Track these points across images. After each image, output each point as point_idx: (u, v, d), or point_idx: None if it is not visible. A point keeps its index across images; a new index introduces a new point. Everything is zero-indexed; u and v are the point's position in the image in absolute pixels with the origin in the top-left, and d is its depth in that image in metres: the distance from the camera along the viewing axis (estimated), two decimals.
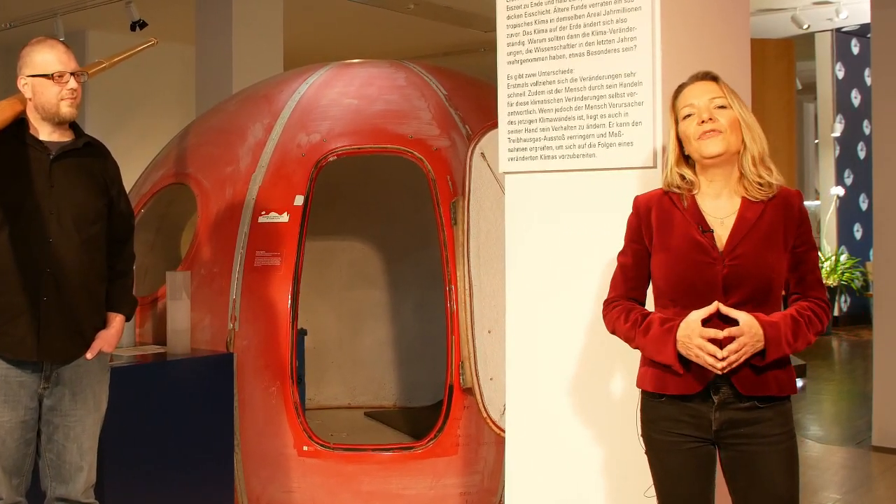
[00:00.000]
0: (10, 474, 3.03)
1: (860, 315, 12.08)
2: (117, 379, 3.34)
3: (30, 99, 3.09)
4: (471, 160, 3.96)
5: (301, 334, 4.60)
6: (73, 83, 3.08)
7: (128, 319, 3.29)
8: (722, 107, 2.50)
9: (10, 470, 3.03)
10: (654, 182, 2.86)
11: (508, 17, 3.31)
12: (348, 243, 5.86)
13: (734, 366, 2.38)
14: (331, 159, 4.47)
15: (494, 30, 3.40)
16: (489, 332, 3.94)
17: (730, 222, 2.49)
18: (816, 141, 13.59)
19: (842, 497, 5.13)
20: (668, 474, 2.54)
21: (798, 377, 4.70)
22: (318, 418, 5.25)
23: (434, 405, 5.06)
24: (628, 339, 2.58)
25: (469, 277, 3.95)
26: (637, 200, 2.65)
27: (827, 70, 12.46)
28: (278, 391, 4.19)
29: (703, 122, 2.48)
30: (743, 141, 2.50)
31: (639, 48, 3.00)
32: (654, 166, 2.96)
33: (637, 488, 2.90)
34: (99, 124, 9.26)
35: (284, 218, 4.33)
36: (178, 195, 4.96)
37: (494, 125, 3.49)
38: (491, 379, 3.91)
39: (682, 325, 2.42)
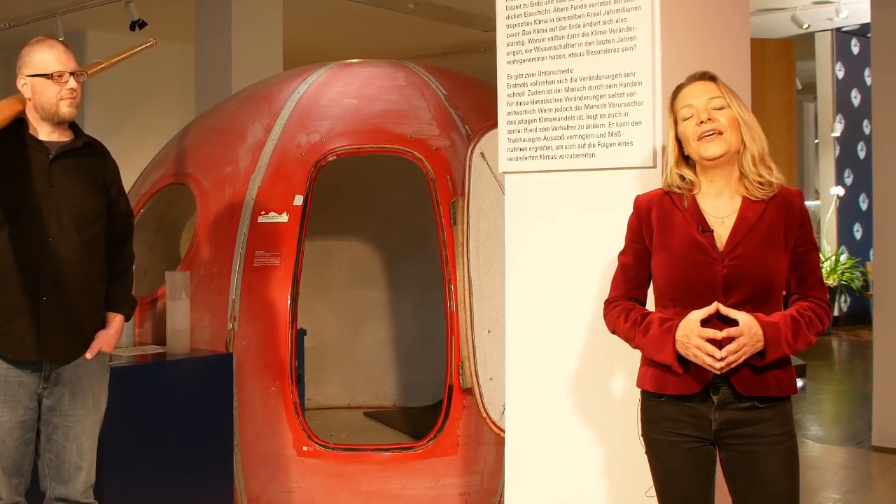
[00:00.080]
0: (9, 474, 3.02)
1: (860, 315, 12.08)
2: (117, 379, 3.34)
3: (29, 99, 3.09)
4: (470, 160, 3.95)
5: (300, 334, 4.60)
6: (72, 83, 3.08)
7: (127, 319, 3.29)
8: (720, 107, 2.50)
9: (10, 470, 3.02)
10: (653, 182, 2.86)
11: (508, 17, 3.31)
12: (348, 243, 5.86)
13: (733, 366, 2.38)
14: (330, 159, 4.47)
15: (494, 29, 3.39)
16: (489, 332, 3.94)
17: (730, 222, 2.49)
18: (816, 141, 13.58)
19: (842, 497, 5.13)
20: (667, 474, 2.54)
21: (798, 377, 4.70)
22: (318, 418, 5.25)
23: (434, 405, 5.05)
24: (628, 339, 2.58)
25: (469, 277, 3.95)
26: (638, 200, 2.64)
27: (827, 70, 12.46)
28: (278, 391, 4.19)
29: (701, 122, 2.48)
30: (742, 140, 2.50)
31: (638, 48, 3.00)
32: (654, 166, 2.96)
33: (637, 488, 2.89)
34: (98, 124, 9.25)
35: (284, 218, 4.33)
36: (178, 195, 4.95)
37: (494, 125, 3.49)
38: (490, 379, 3.91)
39: (682, 325, 2.42)
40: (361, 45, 10.45)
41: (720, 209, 2.52)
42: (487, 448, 4.20)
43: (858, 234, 12.69)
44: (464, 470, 4.19)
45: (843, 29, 11.62)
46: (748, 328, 2.37)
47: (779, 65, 8.19)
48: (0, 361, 3.00)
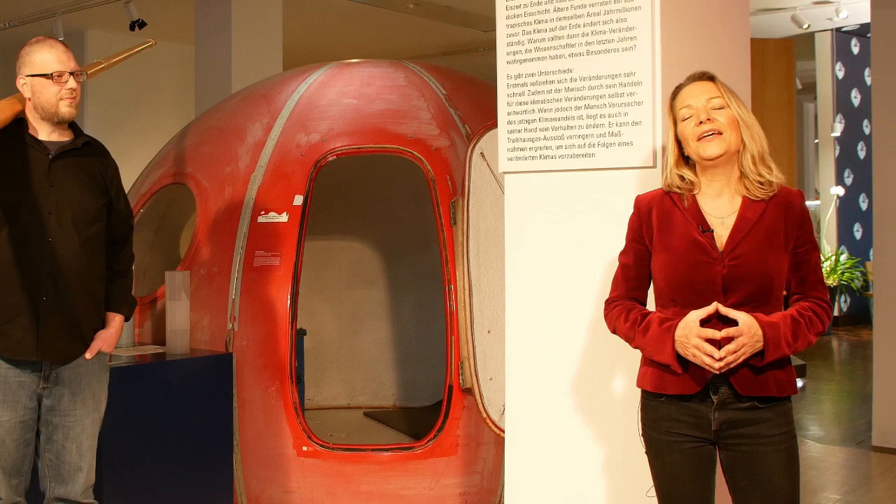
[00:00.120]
0: (9, 474, 3.02)
1: (860, 315, 12.08)
2: (116, 379, 3.34)
3: (29, 99, 3.08)
4: (470, 160, 3.95)
5: (300, 334, 4.60)
6: (72, 83, 3.08)
7: (127, 319, 3.29)
8: (720, 107, 2.50)
9: (10, 470, 3.02)
10: (653, 182, 2.86)
11: (508, 17, 3.31)
12: (347, 243, 5.86)
13: (732, 366, 2.38)
14: (330, 159, 4.47)
15: (494, 29, 3.39)
16: (489, 332, 3.94)
17: (730, 222, 2.49)
18: (816, 141, 13.57)
19: (842, 497, 5.13)
20: (667, 474, 2.54)
21: (798, 377, 4.70)
22: (318, 418, 5.25)
23: (433, 405, 5.06)
24: (628, 339, 2.58)
25: (468, 277, 3.95)
26: (638, 200, 2.64)
27: (827, 70, 12.45)
28: (277, 391, 4.19)
29: (701, 122, 2.48)
30: (742, 140, 2.49)
31: (638, 48, 3.00)
32: (654, 166, 2.96)
33: (637, 488, 2.89)
34: (98, 124, 9.26)
35: (284, 218, 4.33)
36: (178, 195, 4.95)
37: (494, 125, 3.49)
38: (490, 379, 3.91)
39: (681, 324, 2.42)
40: (361, 44, 10.45)
41: (720, 209, 2.52)
42: (487, 448, 4.20)
43: (858, 234, 12.69)
44: (463, 470, 4.19)
45: (843, 29, 11.61)
46: (747, 328, 2.37)
47: (779, 65, 8.19)
48: (0, 361, 3.00)
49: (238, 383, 4.21)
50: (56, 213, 3.03)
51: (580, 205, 3.14)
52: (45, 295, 3.01)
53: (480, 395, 3.90)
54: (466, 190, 3.96)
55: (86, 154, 3.16)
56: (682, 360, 2.44)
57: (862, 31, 11.89)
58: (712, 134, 2.47)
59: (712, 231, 2.48)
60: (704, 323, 2.40)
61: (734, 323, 2.38)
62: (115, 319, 3.21)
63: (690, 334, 2.39)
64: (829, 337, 11.41)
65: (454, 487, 4.19)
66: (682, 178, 2.55)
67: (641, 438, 2.60)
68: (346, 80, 4.87)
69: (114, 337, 3.19)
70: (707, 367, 2.39)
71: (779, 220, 2.48)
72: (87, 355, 3.09)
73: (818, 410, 7.68)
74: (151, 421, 3.91)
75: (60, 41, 3.17)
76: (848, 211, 12.63)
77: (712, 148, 2.47)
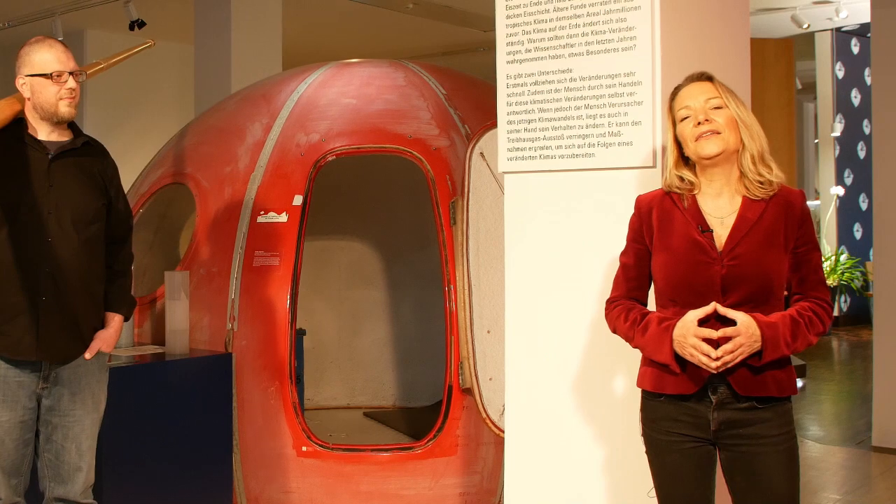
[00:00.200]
0: (8, 474, 3.02)
1: (860, 315, 12.08)
2: (116, 379, 3.34)
3: (28, 98, 3.08)
4: (470, 160, 3.95)
5: (300, 334, 4.59)
6: (71, 83, 3.07)
7: (126, 319, 3.29)
8: (718, 107, 2.50)
9: (9, 470, 3.02)
10: (653, 182, 2.86)
11: (508, 17, 3.30)
12: (347, 243, 5.86)
13: (729, 366, 2.38)
14: (330, 159, 4.47)
15: (494, 29, 3.39)
16: (488, 332, 3.94)
17: (730, 222, 2.49)
18: (816, 141, 13.57)
19: (842, 497, 5.12)
20: (667, 474, 2.54)
21: (798, 377, 4.70)
22: (317, 418, 5.25)
23: (433, 405, 5.05)
24: (628, 339, 2.58)
25: (468, 277, 3.95)
26: (639, 200, 2.64)
27: (827, 70, 12.45)
28: (277, 391, 4.18)
29: (699, 123, 2.48)
30: (741, 140, 2.49)
31: (638, 48, 3.00)
32: (654, 166, 2.96)
33: (637, 489, 2.89)
34: (97, 124, 9.26)
35: (283, 218, 4.32)
36: (177, 195, 4.95)
37: (494, 125, 3.48)
38: (490, 379, 3.90)
39: (679, 324, 2.42)
40: (361, 44, 10.45)
41: (720, 209, 2.51)
42: (487, 448, 4.20)
43: (858, 234, 12.69)
44: (463, 470, 4.19)
45: (843, 29, 11.61)
46: (745, 328, 2.36)
47: (779, 65, 8.18)
48: (0, 361, 3.00)
49: (237, 383, 4.21)
50: (55, 213, 3.03)
51: (580, 205, 3.14)
52: (44, 295, 3.01)
53: (480, 395, 3.90)
54: (466, 190, 3.96)
55: (85, 154, 3.16)
56: (681, 360, 2.44)
57: (862, 31, 11.89)
58: (710, 133, 2.47)
59: (712, 231, 2.48)
60: (703, 323, 2.40)
61: (733, 323, 2.38)
62: (115, 319, 3.21)
63: (688, 334, 2.40)
64: (829, 337, 11.41)
65: (454, 487, 4.18)
66: (681, 178, 2.55)
67: (642, 438, 2.61)
68: (346, 80, 4.87)
69: (113, 337, 3.18)
70: (704, 367, 2.39)
71: (779, 220, 2.48)
72: (87, 355, 3.08)
73: (818, 410, 7.68)
74: (151, 421, 3.91)
75: (60, 41, 3.17)
76: (848, 211, 12.63)
77: (710, 147, 2.47)
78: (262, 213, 4.35)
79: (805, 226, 2.50)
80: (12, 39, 7.26)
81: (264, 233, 4.33)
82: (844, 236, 12.57)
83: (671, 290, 2.51)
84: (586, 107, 3.10)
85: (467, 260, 3.95)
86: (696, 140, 2.48)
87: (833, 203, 12.45)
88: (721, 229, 2.48)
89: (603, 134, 3.06)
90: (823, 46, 12.38)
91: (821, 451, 6.13)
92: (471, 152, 3.95)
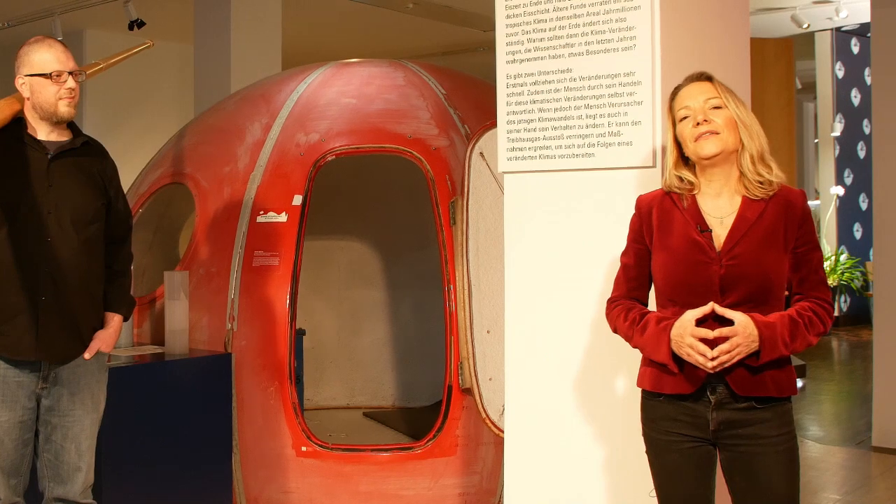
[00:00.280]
0: (7, 475, 3.02)
1: (860, 315, 12.08)
2: (115, 379, 3.34)
3: (28, 98, 3.08)
4: (470, 160, 3.95)
5: (299, 334, 4.59)
6: (71, 83, 3.07)
7: (126, 319, 3.28)
8: (717, 107, 2.50)
9: (8, 470, 3.02)
10: (653, 182, 2.85)
11: (507, 17, 3.30)
12: (347, 243, 5.85)
13: (726, 365, 2.38)
14: (329, 159, 4.46)
15: (493, 29, 3.39)
16: (488, 332, 3.94)
17: (729, 222, 2.49)
18: (816, 140, 13.57)
19: (842, 497, 5.12)
20: (666, 474, 2.54)
21: (798, 377, 4.70)
22: (317, 418, 5.25)
23: (433, 405, 5.05)
24: (627, 338, 2.59)
25: (468, 277, 3.94)
26: (639, 200, 2.65)
27: (827, 69, 12.45)
28: (277, 391, 4.18)
29: (698, 123, 2.48)
30: (740, 140, 2.49)
31: (638, 47, 2.99)
32: (654, 166, 2.95)
33: (636, 489, 2.89)
34: (97, 124, 9.26)
35: (283, 218, 4.32)
36: (177, 195, 4.95)
37: (493, 125, 3.48)
38: (490, 379, 3.90)
39: (676, 324, 2.42)
40: (360, 44, 10.45)
41: (720, 209, 2.51)
42: (487, 448, 4.20)
43: (858, 234, 12.69)
44: (463, 470, 4.19)
45: (843, 28, 11.61)
46: (742, 328, 2.36)
47: (778, 64, 8.19)
48: None
49: (237, 383, 4.21)
50: (55, 213, 3.03)
51: (580, 205, 3.13)
52: (44, 295, 3.00)
53: (480, 396, 3.90)
54: (466, 190, 3.95)
55: (84, 154, 3.16)
56: (679, 360, 2.44)
57: (862, 31, 11.89)
58: (709, 134, 2.47)
59: (711, 231, 2.48)
60: (701, 322, 2.40)
61: (731, 323, 2.38)
62: (114, 319, 3.20)
63: (685, 333, 2.40)
64: (829, 337, 11.41)
65: (453, 488, 4.18)
66: (680, 178, 2.55)
67: (643, 438, 2.61)
68: (346, 79, 4.87)
69: (112, 337, 3.18)
70: (701, 367, 2.39)
71: (778, 220, 2.47)
72: (86, 355, 3.08)
73: (818, 410, 7.68)
74: (150, 421, 3.90)
75: (59, 41, 3.16)
76: (848, 211, 12.63)
77: (709, 147, 2.47)
78: (262, 212, 4.35)
79: (805, 226, 2.49)
80: (12, 39, 7.25)
81: (264, 233, 4.32)
82: (844, 236, 12.57)
83: (670, 289, 2.51)
84: (586, 107, 3.10)
85: (467, 260, 3.95)
86: (695, 140, 2.48)
87: (833, 203, 12.45)
88: (720, 229, 2.48)
89: (603, 134, 3.06)
90: (823, 46, 12.38)
91: (821, 451, 6.13)
92: (470, 152, 3.95)
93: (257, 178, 4.44)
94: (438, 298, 4.52)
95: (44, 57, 3.06)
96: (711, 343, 2.37)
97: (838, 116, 12.50)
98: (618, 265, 2.69)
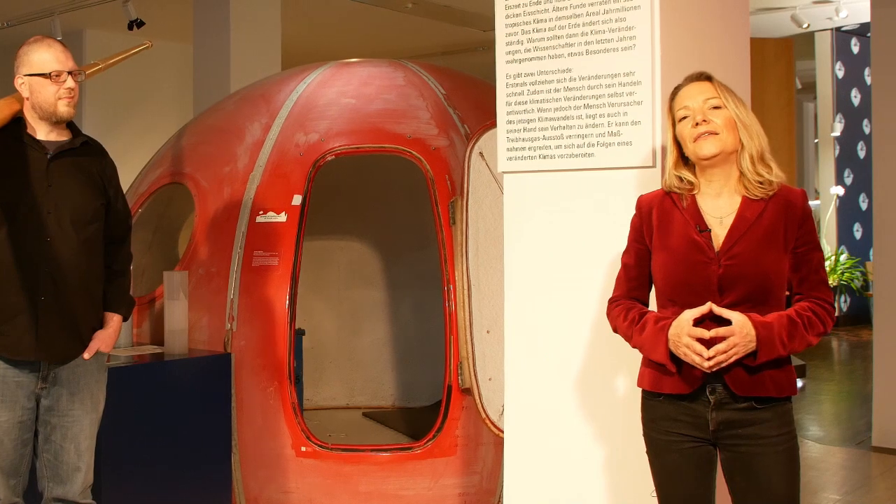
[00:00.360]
0: (7, 475, 3.02)
1: (860, 315, 12.08)
2: (115, 379, 3.34)
3: (27, 98, 3.08)
4: (469, 160, 3.94)
5: (299, 334, 4.59)
6: (70, 82, 3.07)
7: (125, 319, 3.28)
8: (716, 107, 2.50)
9: (8, 470, 3.02)
10: (653, 182, 2.85)
11: (507, 17, 3.30)
12: (346, 243, 5.85)
13: (723, 365, 2.38)
14: (329, 159, 4.46)
15: (493, 29, 3.38)
16: (488, 332, 3.93)
17: (729, 221, 2.49)
18: (816, 140, 13.57)
19: (842, 498, 5.12)
20: (666, 474, 2.54)
21: (798, 377, 4.69)
22: (316, 418, 5.24)
23: (432, 405, 5.05)
24: (627, 338, 2.59)
25: (467, 277, 3.94)
26: (640, 201, 2.65)
27: (827, 69, 12.45)
28: (276, 391, 4.18)
29: (697, 124, 2.48)
30: (740, 140, 2.49)
31: (638, 47, 2.99)
32: (654, 166, 2.95)
33: (637, 489, 2.89)
34: (96, 124, 9.25)
35: (282, 218, 4.32)
36: (176, 195, 4.94)
37: (493, 125, 3.48)
38: (490, 379, 3.90)
39: (674, 323, 2.43)
40: (360, 44, 10.45)
41: (719, 209, 2.51)
42: (486, 448, 4.19)
43: (858, 234, 12.69)
44: (463, 470, 4.19)
45: (843, 28, 11.61)
46: (740, 328, 2.36)
47: (778, 64, 8.18)
48: None
49: (237, 383, 4.20)
50: (55, 213, 3.03)
51: (579, 205, 3.13)
52: (43, 294, 3.00)
53: (479, 396, 3.89)
54: (465, 190, 3.95)
55: (84, 154, 3.16)
56: (677, 360, 2.44)
57: (862, 31, 11.89)
58: (708, 134, 2.47)
59: (710, 231, 2.48)
60: (699, 322, 2.40)
61: (729, 322, 2.38)
62: (114, 319, 3.20)
63: (682, 333, 2.40)
64: (829, 337, 11.40)
65: (453, 488, 4.18)
66: (680, 178, 2.55)
67: (643, 438, 2.60)
68: (345, 79, 4.86)
69: (112, 337, 3.18)
70: (697, 366, 2.39)
71: (778, 220, 2.47)
72: (86, 355, 3.08)
73: (818, 410, 7.68)
74: (150, 421, 3.90)
75: (58, 41, 3.16)
76: (848, 211, 12.63)
77: (708, 147, 2.47)
78: (262, 212, 4.35)
79: (806, 225, 2.49)
80: (11, 39, 7.24)
81: (263, 232, 4.32)
82: (844, 236, 12.57)
83: (670, 289, 2.51)
84: (586, 106, 3.10)
85: (466, 260, 3.94)
86: (694, 140, 2.48)
87: (833, 203, 12.45)
88: (720, 229, 2.48)
89: (602, 134, 3.06)
90: (823, 46, 12.38)
91: (821, 452, 6.13)
92: (470, 152, 3.94)
93: (257, 178, 4.44)
94: (438, 298, 4.51)
95: (43, 57, 3.06)
96: (708, 343, 2.37)
97: (838, 116, 12.50)
98: (617, 265, 2.69)
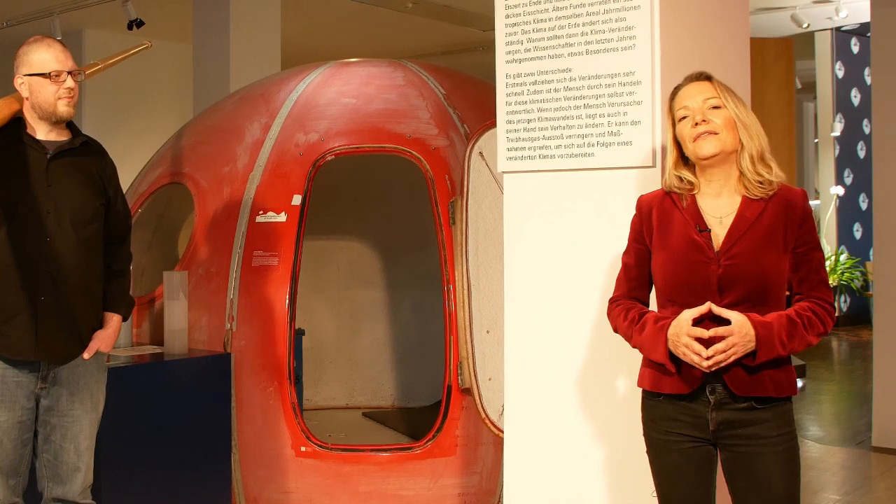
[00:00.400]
0: (6, 475, 3.01)
1: (860, 315, 12.08)
2: (114, 379, 3.33)
3: (27, 98, 3.08)
4: (469, 159, 3.94)
5: (299, 334, 4.59)
6: (70, 82, 3.07)
7: (125, 319, 3.28)
8: (716, 107, 2.50)
9: (7, 470, 3.01)
10: (653, 182, 2.85)
11: (507, 16, 3.30)
12: (346, 243, 5.85)
13: (721, 365, 2.38)
14: (329, 159, 4.46)
15: (493, 29, 3.38)
16: (487, 332, 3.93)
17: (729, 221, 2.48)
18: (816, 140, 13.57)
19: (842, 498, 5.12)
20: (667, 474, 2.54)
21: (798, 377, 4.69)
22: (316, 419, 5.24)
23: (432, 405, 5.05)
24: (627, 338, 2.59)
25: (467, 277, 3.94)
26: (640, 201, 2.65)
27: (827, 69, 12.45)
28: (276, 391, 4.18)
29: (696, 124, 2.48)
30: (740, 140, 2.49)
31: (638, 47, 2.99)
32: (653, 165, 2.95)
33: (637, 489, 2.89)
34: (96, 123, 9.26)
35: (282, 217, 4.32)
36: (176, 195, 4.94)
37: (493, 124, 3.48)
38: (489, 379, 3.90)
39: (673, 323, 2.43)
40: (360, 44, 10.45)
41: (719, 209, 2.51)
42: (486, 448, 4.19)
43: (858, 234, 12.69)
44: (462, 470, 4.18)
45: (843, 28, 11.62)
46: (739, 328, 2.36)
47: (778, 64, 8.18)
48: None
49: (236, 383, 4.20)
50: (55, 213, 3.03)
51: (579, 205, 3.13)
52: (43, 294, 3.00)
53: (479, 396, 3.89)
54: (465, 190, 3.95)
55: (84, 154, 3.16)
56: (676, 360, 2.44)
57: (862, 31, 11.89)
58: (707, 134, 2.47)
59: (709, 230, 2.48)
60: (698, 322, 2.40)
61: (728, 322, 2.38)
62: (113, 319, 3.20)
63: (681, 333, 2.40)
64: (829, 337, 11.40)
65: (453, 488, 4.18)
66: (680, 178, 2.55)
67: (644, 438, 2.60)
68: (345, 79, 4.86)
69: (112, 337, 3.18)
70: (696, 366, 2.39)
71: (778, 220, 2.47)
72: (85, 355, 3.08)
73: (818, 410, 7.68)
74: (149, 421, 3.90)
75: (58, 40, 3.16)
76: (848, 211, 12.63)
77: (707, 147, 2.47)
78: (261, 212, 4.35)
79: (806, 225, 2.49)
80: (11, 39, 7.24)
81: (263, 232, 4.32)
82: (844, 236, 12.57)
83: (670, 289, 2.51)
84: (585, 106, 3.10)
85: (466, 260, 3.94)
86: (694, 140, 2.48)
87: (833, 203, 12.45)
88: (719, 229, 2.48)
89: (602, 133, 3.05)
90: (823, 46, 12.38)
91: (821, 452, 6.13)
92: (470, 152, 3.94)
93: (256, 178, 4.44)
94: (438, 298, 4.51)
95: (43, 56, 3.05)
96: (707, 343, 2.37)
97: (838, 116, 12.50)
98: (617, 265, 2.69)
